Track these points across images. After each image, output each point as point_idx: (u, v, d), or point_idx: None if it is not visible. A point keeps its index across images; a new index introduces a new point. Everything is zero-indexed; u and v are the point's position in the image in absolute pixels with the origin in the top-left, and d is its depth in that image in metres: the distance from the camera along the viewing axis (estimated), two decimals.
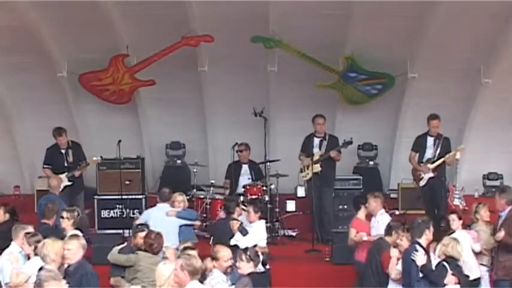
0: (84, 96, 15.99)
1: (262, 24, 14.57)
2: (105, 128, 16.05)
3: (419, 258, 9.69)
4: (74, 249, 9.12)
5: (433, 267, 9.78)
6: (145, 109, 16.32)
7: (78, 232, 10.46)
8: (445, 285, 9.69)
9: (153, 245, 10.37)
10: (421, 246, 9.82)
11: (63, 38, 15.07)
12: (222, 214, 12.67)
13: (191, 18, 14.52)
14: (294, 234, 14.44)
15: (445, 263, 9.80)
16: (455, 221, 11.38)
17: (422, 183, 13.83)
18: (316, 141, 14.30)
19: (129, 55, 15.21)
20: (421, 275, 9.68)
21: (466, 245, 10.86)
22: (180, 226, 12.21)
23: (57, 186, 13.48)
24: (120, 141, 14.38)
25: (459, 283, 9.77)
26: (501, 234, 10.85)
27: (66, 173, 14.14)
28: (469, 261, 10.68)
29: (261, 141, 14.80)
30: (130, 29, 14.96)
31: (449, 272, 9.73)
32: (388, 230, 10.64)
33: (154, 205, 12.99)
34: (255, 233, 11.62)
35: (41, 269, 8.63)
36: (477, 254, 11.09)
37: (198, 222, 12.84)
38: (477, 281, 10.88)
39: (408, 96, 15.58)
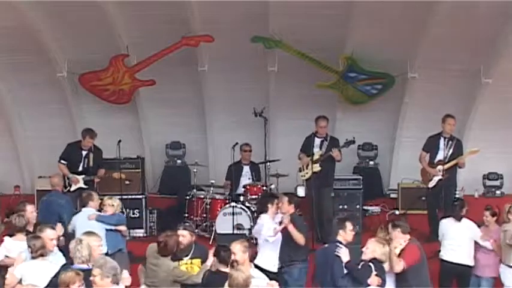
0: (84, 96, 15.99)
1: (262, 24, 14.58)
2: (105, 128, 16.00)
3: (344, 254, 9.76)
4: None
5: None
6: (145, 109, 16.32)
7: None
8: (368, 285, 9.69)
9: (160, 244, 10.10)
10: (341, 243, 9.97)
11: (63, 38, 15.07)
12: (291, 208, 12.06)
13: (191, 18, 14.52)
14: None
15: (370, 264, 9.77)
16: (488, 217, 11.76)
17: (431, 184, 13.77)
18: (317, 141, 14.27)
19: (129, 55, 15.22)
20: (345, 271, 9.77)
21: (465, 233, 11.53)
22: (107, 231, 11.69)
23: (59, 183, 13.22)
24: (120, 141, 14.40)
25: (381, 285, 9.75)
26: None
27: (84, 176, 14.12)
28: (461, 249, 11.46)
29: (261, 141, 14.81)
30: (131, 29, 14.96)
31: (374, 272, 9.71)
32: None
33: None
34: None
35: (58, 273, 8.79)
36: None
37: (123, 228, 12.13)
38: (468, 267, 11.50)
39: (408, 96, 15.58)
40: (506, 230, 11.18)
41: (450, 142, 13.78)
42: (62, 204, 12.66)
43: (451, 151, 13.70)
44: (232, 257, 9.59)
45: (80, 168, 14.20)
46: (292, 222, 11.01)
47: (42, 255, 9.54)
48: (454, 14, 13.95)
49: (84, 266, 8.81)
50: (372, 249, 9.87)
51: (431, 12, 13.92)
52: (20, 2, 13.88)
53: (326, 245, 10.34)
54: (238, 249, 9.65)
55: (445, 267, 11.72)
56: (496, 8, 13.83)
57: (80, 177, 14.11)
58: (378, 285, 9.72)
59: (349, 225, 10.17)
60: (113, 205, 12.05)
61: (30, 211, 11.11)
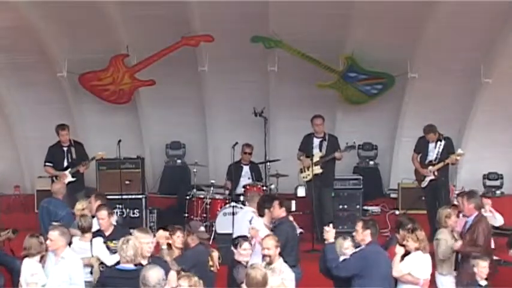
0: (84, 96, 15.99)
1: (262, 24, 14.58)
2: (105, 128, 16.05)
3: None
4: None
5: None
6: (145, 109, 16.32)
7: None
8: None
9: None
10: None
11: (63, 38, 15.08)
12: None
13: (191, 18, 14.52)
14: None
15: None
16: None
17: (424, 184, 13.91)
18: (316, 141, 14.28)
19: (129, 55, 15.22)
20: None
21: None
22: None
23: (61, 190, 13.10)
24: (120, 141, 14.40)
25: None
26: (457, 244, 10.71)
27: (69, 169, 14.14)
28: None
29: (261, 141, 14.81)
30: (131, 29, 14.96)
31: None
32: (398, 226, 10.58)
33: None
34: None
35: None
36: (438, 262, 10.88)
37: None
38: None
39: (408, 96, 15.58)
40: (439, 239, 10.79)
41: (439, 142, 13.84)
42: (61, 216, 12.38)
43: (440, 151, 13.78)
44: (266, 252, 9.63)
45: (65, 164, 14.25)
46: (277, 227, 11.00)
47: (26, 255, 9.77)
48: (454, 14, 13.96)
49: (128, 266, 8.88)
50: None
51: (431, 12, 13.92)
52: (19, 2, 13.88)
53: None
54: (271, 245, 9.65)
55: None
56: (496, 8, 13.84)
57: (67, 172, 14.13)
58: None
59: None
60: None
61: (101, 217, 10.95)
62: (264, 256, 9.71)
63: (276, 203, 11.15)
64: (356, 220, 10.65)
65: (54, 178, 14.19)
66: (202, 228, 10.48)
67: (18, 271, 11.37)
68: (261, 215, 11.15)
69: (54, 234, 9.67)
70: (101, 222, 10.81)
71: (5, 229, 12.30)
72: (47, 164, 14.35)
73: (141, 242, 9.21)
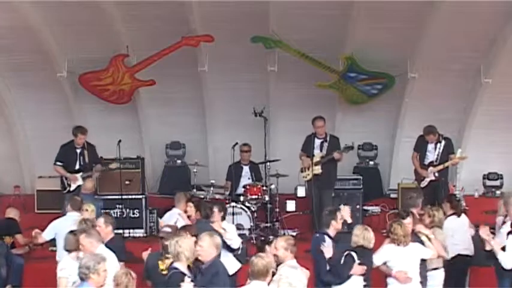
0: (84, 96, 15.98)
1: (262, 24, 14.59)
2: (105, 128, 16.04)
3: (327, 251, 9.91)
4: (206, 247, 9.15)
5: (344, 259, 9.90)
6: (145, 109, 16.32)
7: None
8: (351, 275, 9.82)
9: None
10: (329, 236, 10.15)
11: (63, 38, 15.08)
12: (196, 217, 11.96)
13: (191, 18, 14.53)
14: (294, 234, 14.41)
15: (353, 253, 9.85)
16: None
17: (423, 184, 13.89)
18: (317, 142, 14.27)
19: (129, 55, 15.22)
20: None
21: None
22: None
23: (91, 188, 13.25)
24: (120, 141, 14.40)
25: (366, 272, 9.91)
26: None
27: (81, 173, 14.14)
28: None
29: (261, 141, 14.80)
30: (131, 29, 14.96)
31: (357, 261, 9.83)
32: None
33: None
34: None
35: None
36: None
37: None
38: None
39: (408, 96, 15.58)
40: None
41: (439, 144, 13.84)
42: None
43: (440, 152, 13.78)
44: (274, 251, 9.60)
45: (77, 167, 14.25)
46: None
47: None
48: (454, 14, 13.97)
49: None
50: (358, 235, 9.98)
51: (431, 12, 13.93)
52: (20, 2, 13.90)
53: (317, 235, 10.40)
54: (280, 246, 9.57)
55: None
56: (496, 8, 13.85)
57: (78, 175, 14.13)
58: (361, 274, 9.84)
59: (339, 215, 10.39)
60: (86, 210, 11.78)
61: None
62: (274, 255, 9.72)
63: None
64: None
65: (63, 178, 14.18)
66: (165, 229, 10.37)
67: (17, 269, 11.44)
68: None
69: (81, 239, 9.66)
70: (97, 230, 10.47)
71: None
72: (57, 163, 14.31)
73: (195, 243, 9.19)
